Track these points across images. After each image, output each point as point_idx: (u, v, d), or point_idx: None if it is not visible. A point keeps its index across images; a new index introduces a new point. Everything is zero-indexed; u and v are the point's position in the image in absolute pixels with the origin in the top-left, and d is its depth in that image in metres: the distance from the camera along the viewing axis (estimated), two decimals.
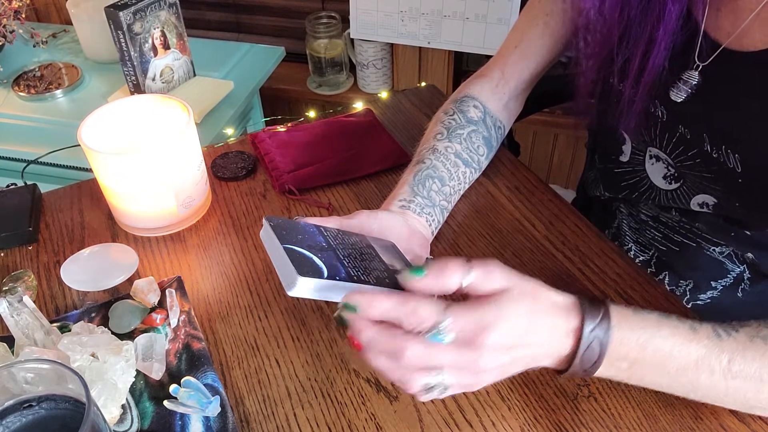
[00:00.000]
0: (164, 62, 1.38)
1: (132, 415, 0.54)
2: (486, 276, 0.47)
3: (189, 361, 0.58)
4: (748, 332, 0.49)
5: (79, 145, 0.68)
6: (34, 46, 1.61)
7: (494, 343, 0.45)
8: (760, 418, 0.53)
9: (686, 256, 0.76)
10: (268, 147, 0.84)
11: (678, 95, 0.64)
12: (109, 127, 0.73)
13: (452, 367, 0.47)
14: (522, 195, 0.76)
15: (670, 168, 0.71)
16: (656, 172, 0.73)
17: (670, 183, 0.72)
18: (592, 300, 0.49)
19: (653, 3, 0.60)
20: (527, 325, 0.46)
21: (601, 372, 0.49)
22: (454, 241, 0.70)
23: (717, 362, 0.48)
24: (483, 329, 0.45)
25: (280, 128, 0.88)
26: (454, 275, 0.46)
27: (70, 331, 0.57)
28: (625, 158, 0.77)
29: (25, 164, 1.05)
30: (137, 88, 1.35)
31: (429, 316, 0.45)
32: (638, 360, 0.48)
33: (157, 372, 0.56)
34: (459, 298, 0.46)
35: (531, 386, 0.56)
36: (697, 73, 0.63)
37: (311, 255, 0.48)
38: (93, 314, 0.63)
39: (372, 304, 0.46)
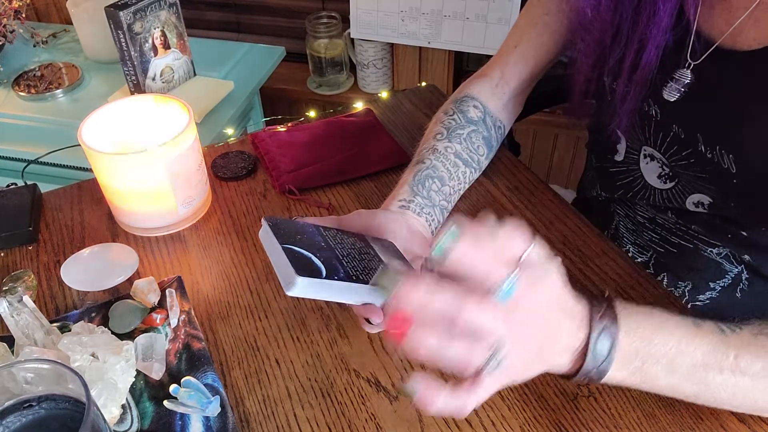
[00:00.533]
0: (164, 62, 1.38)
1: (132, 415, 0.54)
2: (541, 247, 0.43)
3: (189, 361, 0.58)
4: (751, 330, 0.49)
5: (79, 145, 0.68)
6: (34, 46, 1.61)
7: (539, 301, 0.42)
8: (760, 418, 0.53)
9: (684, 258, 0.76)
10: (268, 147, 0.84)
11: (671, 94, 0.64)
12: (109, 127, 0.73)
13: (506, 329, 0.41)
14: (522, 195, 0.76)
15: (664, 167, 0.71)
16: (651, 171, 0.73)
17: (665, 182, 0.72)
18: (593, 295, 0.48)
19: (645, 1, 0.60)
20: (557, 300, 0.44)
21: (614, 373, 0.47)
22: None
23: (724, 357, 0.48)
24: (532, 286, 0.41)
25: (281, 128, 0.88)
26: (519, 245, 0.41)
27: (70, 331, 0.57)
28: (619, 157, 0.77)
29: (25, 164, 1.05)
30: (137, 88, 1.35)
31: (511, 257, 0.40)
32: (649, 355, 0.47)
33: (157, 372, 0.56)
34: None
35: (531, 386, 0.56)
36: (689, 71, 0.63)
37: (310, 255, 0.48)
38: (93, 314, 0.63)
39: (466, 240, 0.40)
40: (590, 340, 0.45)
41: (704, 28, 0.62)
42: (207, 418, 0.53)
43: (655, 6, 0.60)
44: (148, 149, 0.67)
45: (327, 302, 0.64)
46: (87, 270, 0.68)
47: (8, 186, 0.82)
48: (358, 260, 0.51)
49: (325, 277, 0.47)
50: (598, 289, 0.64)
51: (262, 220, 0.50)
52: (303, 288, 0.46)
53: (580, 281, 0.65)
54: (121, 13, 1.24)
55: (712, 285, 0.75)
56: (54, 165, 1.23)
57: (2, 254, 0.72)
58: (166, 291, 0.64)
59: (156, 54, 1.35)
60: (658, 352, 0.47)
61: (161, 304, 0.63)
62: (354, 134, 0.87)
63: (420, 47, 1.72)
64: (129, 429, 0.53)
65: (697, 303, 0.76)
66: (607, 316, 0.46)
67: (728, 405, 0.50)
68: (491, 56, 0.82)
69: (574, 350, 0.46)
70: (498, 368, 0.41)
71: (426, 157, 0.70)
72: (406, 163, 0.73)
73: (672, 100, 0.64)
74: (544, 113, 1.68)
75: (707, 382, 0.48)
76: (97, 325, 0.59)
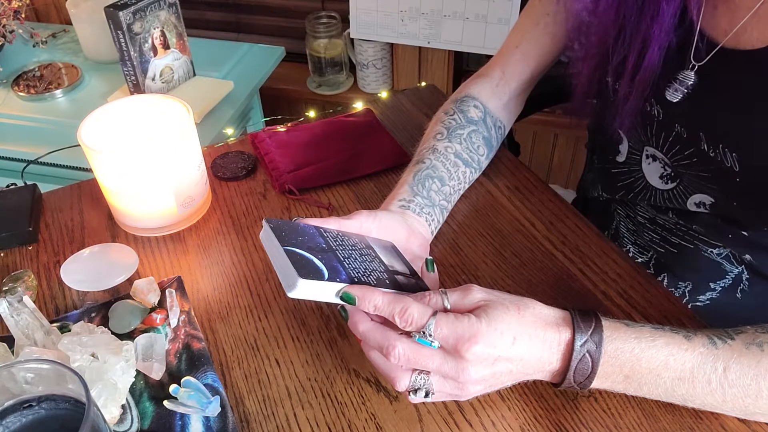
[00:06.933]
0: (164, 62, 1.37)
1: (132, 415, 0.54)
2: (464, 293, 0.49)
3: (189, 361, 0.58)
4: (744, 339, 0.49)
5: (79, 145, 0.68)
6: (33, 46, 1.61)
7: (476, 356, 0.46)
8: None
9: (684, 258, 0.76)
10: (268, 147, 0.84)
11: (674, 95, 0.64)
12: (109, 127, 0.73)
13: (437, 374, 0.48)
14: (522, 195, 0.76)
15: (666, 167, 0.71)
16: (653, 171, 0.73)
17: (667, 183, 0.72)
18: (584, 312, 0.50)
19: (648, 2, 0.60)
20: (512, 338, 0.47)
21: (597, 385, 0.50)
22: (454, 241, 0.70)
23: (713, 370, 0.48)
24: (465, 341, 0.46)
25: (280, 128, 0.88)
26: (433, 302, 0.49)
27: (70, 331, 0.57)
28: (621, 158, 0.77)
29: (25, 164, 1.05)
30: (137, 88, 1.35)
31: (418, 318, 0.46)
32: (633, 372, 0.49)
33: (157, 372, 0.56)
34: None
35: (531, 386, 0.56)
36: (692, 73, 0.63)
37: (311, 257, 0.48)
38: (93, 314, 0.63)
39: (366, 298, 0.48)
40: (570, 363, 0.48)
41: (707, 28, 0.62)
42: (207, 418, 0.53)
43: (658, 6, 0.60)
44: (147, 149, 0.67)
45: (327, 303, 0.64)
46: (87, 270, 0.68)
47: (8, 186, 0.81)
48: (359, 261, 0.51)
49: (327, 279, 0.47)
50: (599, 289, 0.64)
51: (263, 221, 0.50)
52: (305, 290, 0.46)
53: (580, 281, 0.65)
54: (120, 14, 1.24)
55: (712, 285, 0.75)
56: (54, 165, 1.23)
57: (2, 254, 0.72)
58: (166, 291, 0.64)
59: (156, 54, 1.35)
60: (645, 371, 0.49)
61: (161, 304, 0.63)
62: (354, 134, 0.87)
63: (420, 47, 1.72)
64: (129, 429, 0.53)
65: (698, 303, 0.76)
66: (591, 338, 0.48)
67: (720, 410, 0.51)
68: (491, 56, 0.82)
69: (552, 371, 0.50)
70: (430, 399, 0.49)
71: (426, 157, 0.70)
72: (406, 163, 0.73)
73: (675, 101, 0.64)
74: (544, 113, 1.68)
75: (694, 394, 0.49)
76: (97, 325, 0.59)
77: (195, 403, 0.53)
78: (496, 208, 0.75)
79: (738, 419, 0.53)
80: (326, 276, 0.47)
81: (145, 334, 0.59)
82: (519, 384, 0.55)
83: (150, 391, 0.56)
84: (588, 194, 0.89)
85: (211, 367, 0.57)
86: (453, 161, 0.71)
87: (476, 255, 0.69)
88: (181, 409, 0.54)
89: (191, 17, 1.94)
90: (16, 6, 1.53)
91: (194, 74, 1.47)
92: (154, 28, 1.32)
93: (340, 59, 1.82)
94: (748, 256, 0.72)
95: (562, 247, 0.69)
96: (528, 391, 0.56)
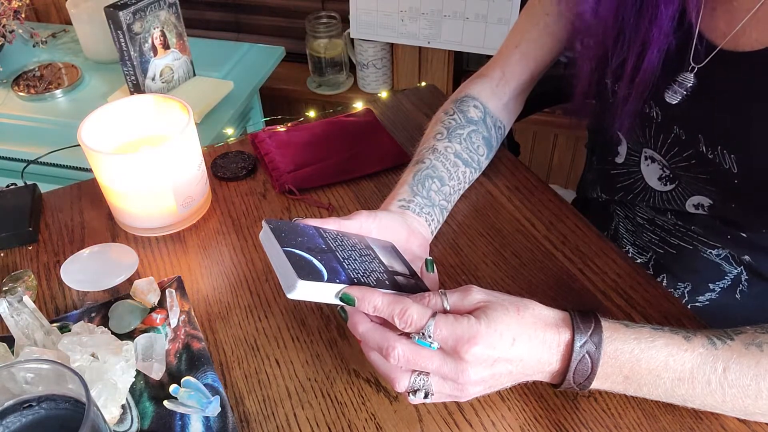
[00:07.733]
0: (164, 62, 1.38)
1: (132, 415, 0.54)
2: (464, 294, 0.49)
3: (189, 361, 0.58)
4: (744, 339, 0.50)
5: (79, 145, 0.68)
6: (33, 46, 1.61)
7: (476, 357, 0.46)
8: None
9: (683, 259, 0.76)
10: (268, 147, 0.84)
11: (673, 97, 0.64)
12: (109, 127, 0.73)
13: (437, 375, 0.48)
14: (522, 195, 0.76)
15: (665, 169, 0.71)
16: (651, 173, 0.73)
17: (665, 184, 0.72)
18: (583, 313, 0.50)
19: (647, 4, 0.60)
20: (511, 339, 0.47)
21: (597, 385, 0.50)
22: (454, 241, 0.70)
23: (712, 371, 0.48)
24: (464, 342, 0.46)
25: (280, 128, 0.88)
26: (432, 303, 0.49)
27: (70, 331, 0.57)
28: (620, 159, 0.77)
29: (25, 164, 1.05)
30: (137, 88, 1.35)
31: (417, 319, 0.47)
32: (633, 372, 0.49)
33: (157, 372, 0.56)
34: None
35: (531, 386, 0.56)
36: (692, 75, 0.63)
37: (311, 258, 0.48)
38: (93, 314, 0.63)
39: (366, 299, 0.48)
40: (570, 364, 0.48)
41: (706, 30, 0.62)
42: (207, 418, 0.53)
43: (657, 9, 0.60)
44: (147, 149, 0.67)
45: (327, 304, 0.64)
46: (87, 270, 0.68)
47: (8, 186, 0.82)
48: (359, 262, 0.51)
49: (327, 281, 0.47)
50: (599, 289, 0.64)
51: (263, 222, 0.50)
52: (304, 291, 0.46)
53: (580, 281, 0.65)
54: (120, 14, 1.24)
55: (711, 286, 0.75)
56: (54, 165, 1.23)
57: (2, 254, 0.72)
58: (166, 291, 0.64)
59: (156, 54, 1.35)
60: (645, 371, 0.49)
61: (161, 304, 0.63)
62: (354, 134, 0.87)
63: (420, 47, 1.72)
64: (129, 429, 0.53)
65: (697, 304, 0.76)
66: (591, 339, 0.49)
67: (720, 410, 0.51)
68: (491, 56, 0.82)
69: (551, 372, 0.50)
70: (429, 400, 0.49)
71: (426, 157, 0.70)
72: (406, 163, 0.73)
73: (674, 103, 0.64)
74: (544, 113, 1.69)
75: (693, 394, 0.49)
76: (97, 325, 0.59)
77: (195, 403, 0.53)
78: (496, 208, 0.75)
79: (738, 419, 0.53)
80: (325, 277, 0.47)
81: (145, 334, 0.59)
82: (519, 384, 0.55)
83: (150, 391, 0.56)
84: (587, 194, 0.89)
85: (211, 367, 0.57)
86: (453, 161, 0.71)
87: (476, 255, 0.69)
88: (181, 409, 0.54)
89: (191, 17, 1.94)
90: (16, 6, 1.53)
91: (194, 74, 1.47)
92: (154, 28, 1.32)
93: (340, 59, 1.82)
94: (747, 257, 0.72)
95: (562, 247, 0.69)
96: (528, 391, 0.56)
